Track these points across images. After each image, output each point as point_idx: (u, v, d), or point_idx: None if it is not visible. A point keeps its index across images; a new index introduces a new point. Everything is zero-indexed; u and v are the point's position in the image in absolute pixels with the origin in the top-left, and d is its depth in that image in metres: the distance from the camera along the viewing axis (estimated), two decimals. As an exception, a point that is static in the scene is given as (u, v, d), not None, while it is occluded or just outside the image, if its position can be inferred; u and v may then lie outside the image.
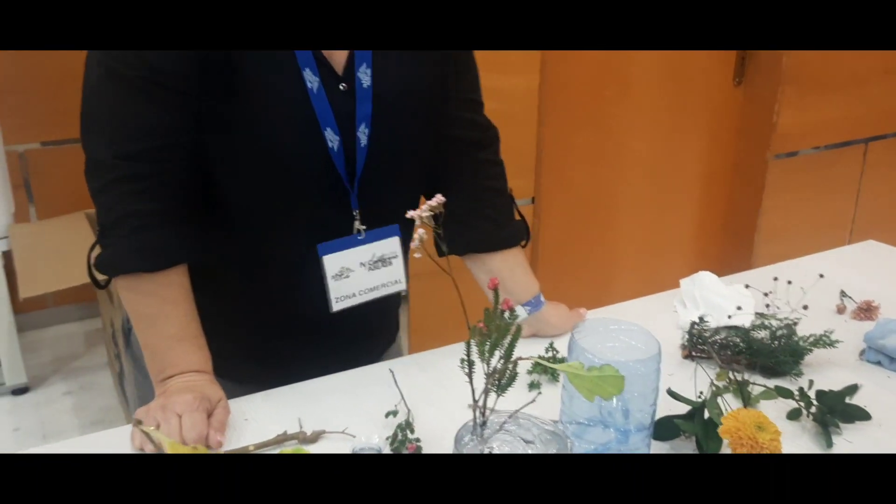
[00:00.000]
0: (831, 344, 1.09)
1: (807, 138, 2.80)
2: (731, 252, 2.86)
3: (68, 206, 2.56)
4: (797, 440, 0.94)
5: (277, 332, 1.09)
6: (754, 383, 1.02)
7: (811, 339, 1.10)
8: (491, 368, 0.58)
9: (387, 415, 0.95)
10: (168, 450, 0.83)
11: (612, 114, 2.57)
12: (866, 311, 1.25)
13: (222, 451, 0.89)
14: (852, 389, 1.00)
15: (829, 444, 0.93)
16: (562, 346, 1.02)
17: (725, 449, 0.87)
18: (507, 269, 1.15)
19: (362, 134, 1.00)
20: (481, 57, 1.15)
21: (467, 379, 0.59)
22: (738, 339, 1.12)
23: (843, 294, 1.32)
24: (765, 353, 1.08)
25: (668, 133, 2.69)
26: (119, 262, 0.95)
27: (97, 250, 0.98)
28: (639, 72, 2.54)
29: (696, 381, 1.01)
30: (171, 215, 0.95)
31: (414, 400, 0.98)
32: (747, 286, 1.30)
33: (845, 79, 2.75)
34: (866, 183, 3.07)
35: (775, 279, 1.30)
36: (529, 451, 0.58)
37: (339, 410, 0.98)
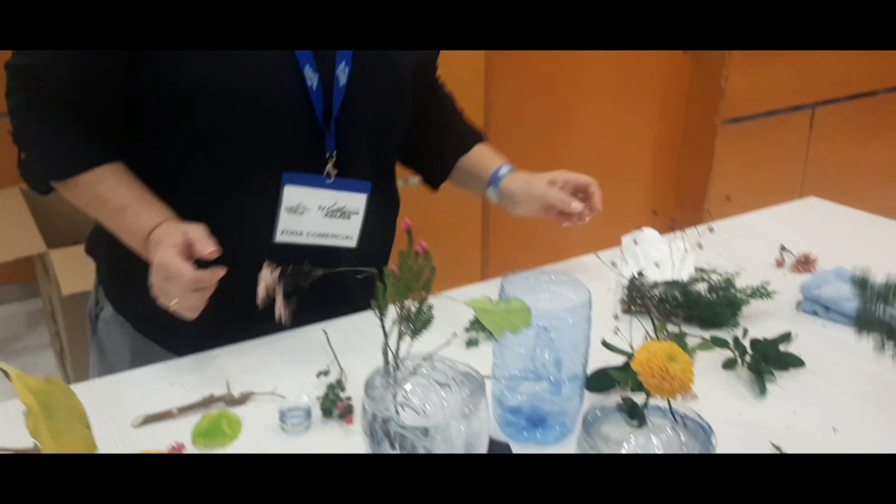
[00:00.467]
0: (767, 294, 1.10)
1: (755, 104, 2.82)
2: (682, 217, 2.88)
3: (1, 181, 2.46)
4: (733, 388, 0.94)
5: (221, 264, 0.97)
6: (691, 334, 1.02)
7: (748, 291, 1.10)
8: (404, 311, 0.56)
9: (318, 374, 0.93)
10: None
11: (561, 81, 2.56)
12: (804, 264, 1.26)
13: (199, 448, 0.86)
14: (786, 337, 1.00)
15: (763, 390, 0.93)
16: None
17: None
18: (475, 158, 1.21)
19: (342, 73, 0.98)
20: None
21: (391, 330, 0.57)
22: (676, 293, 1.11)
23: (782, 248, 1.33)
24: (702, 306, 1.08)
25: (617, 100, 2.69)
26: (42, 170, 0.97)
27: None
28: (588, 37, 2.52)
29: (631, 333, 1.01)
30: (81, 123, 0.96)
31: (348, 360, 0.96)
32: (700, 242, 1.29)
33: (792, 44, 2.78)
34: (814, 147, 3.12)
35: (710, 230, 1.31)
36: (443, 394, 0.56)
37: (270, 372, 0.95)
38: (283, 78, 0.95)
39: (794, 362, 0.97)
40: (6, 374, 0.75)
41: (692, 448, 0.51)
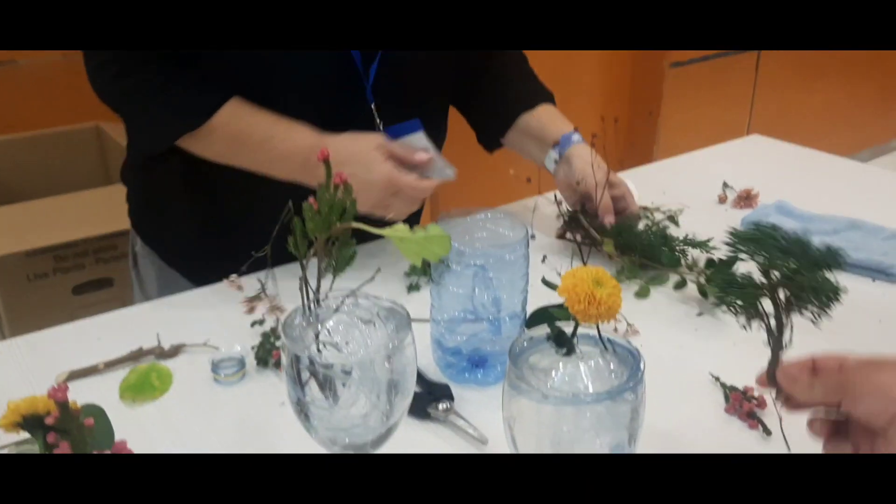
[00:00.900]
0: (703, 245, 1.05)
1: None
2: (631, 161, 2.89)
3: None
4: (675, 322, 0.94)
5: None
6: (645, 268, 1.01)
7: (685, 239, 1.05)
8: (324, 247, 0.54)
9: (252, 324, 0.90)
10: None
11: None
12: (746, 199, 1.26)
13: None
14: (732, 261, 0.99)
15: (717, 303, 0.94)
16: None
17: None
18: (541, 117, 1.13)
19: None
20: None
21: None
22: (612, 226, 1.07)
23: (724, 185, 1.33)
24: (640, 248, 1.05)
25: (565, 44, 2.66)
26: (175, 123, 0.93)
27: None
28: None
29: (572, 264, 1.00)
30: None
31: (287, 308, 0.93)
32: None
33: (737, -16, 2.77)
34: (759, 89, 3.14)
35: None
36: (367, 332, 0.54)
37: (204, 324, 0.92)
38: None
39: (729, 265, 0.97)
40: None
41: (620, 374, 0.50)
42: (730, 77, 2.97)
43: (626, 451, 0.50)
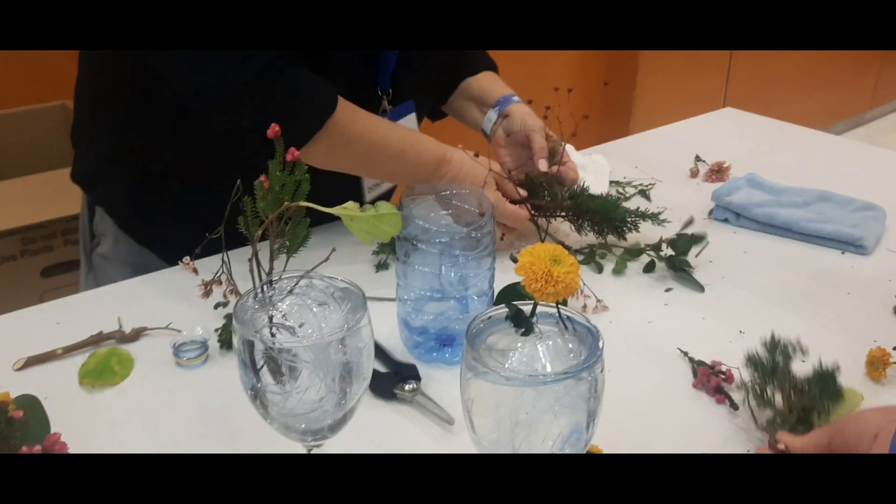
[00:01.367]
0: (654, 217, 1.03)
1: (678, 18, 2.80)
2: (609, 134, 2.88)
3: None
4: (645, 299, 0.93)
5: None
6: (615, 247, 1.00)
7: (637, 211, 1.02)
8: (276, 227, 0.52)
9: (216, 306, 0.88)
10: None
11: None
12: (717, 172, 1.26)
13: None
14: (699, 238, 0.99)
15: (700, 288, 0.94)
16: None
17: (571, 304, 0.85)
18: (477, 83, 1.15)
19: None
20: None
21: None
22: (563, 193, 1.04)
23: (697, 158, 1.32)
24: (594, 210, 1.03)
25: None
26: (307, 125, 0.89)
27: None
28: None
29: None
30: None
31: (247, 285, 0.91)
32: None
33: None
34: (735, 60, 3.13)
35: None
36: (322, 314, 0.52)
37: (165, 307, 0.90)
38: None
39: (696, 240, 0.98)
40: None
41: (579, 353, 0.49)
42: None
43: (586, 430, 0.50)
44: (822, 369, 0.69)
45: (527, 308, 0.52)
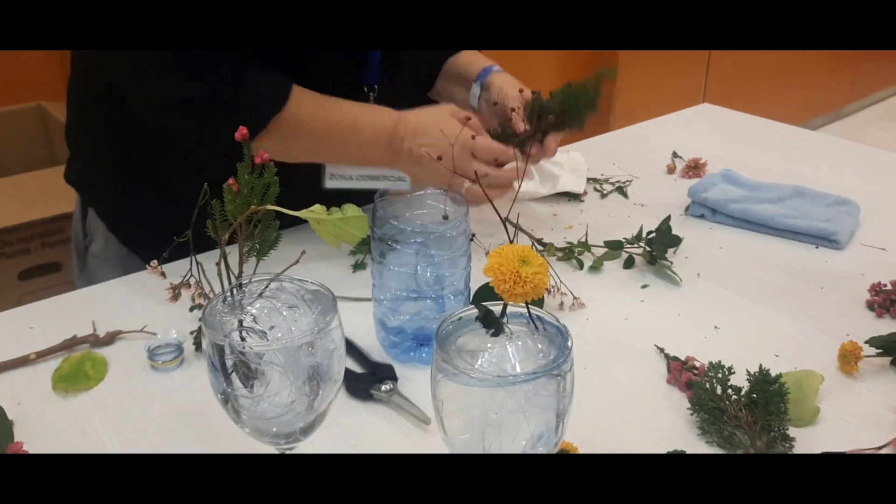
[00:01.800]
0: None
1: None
2: (587, 130, 2.89)
3: None
4: (621, 295, 0.94)
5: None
6: (593, 247, 1.01)
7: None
8: (245, 230, 0.52)
9: (191, 308, 0.88)
10: None
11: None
12: (694, 168, 1.27)
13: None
14: (676, 240, 1.00)
15: (679, 282, 0.94)
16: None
17: (548, 302, 0.86)
18: (458, 61, 1.15)
19: None
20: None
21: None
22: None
23: (674, 154, 1.33)
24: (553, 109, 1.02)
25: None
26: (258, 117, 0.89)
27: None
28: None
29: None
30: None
31: (217, 288, 0.91)
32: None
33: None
34: (715, 57, 3.14)
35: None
36: (292, 317, 0.52)
37: (140, 310, 0.90)
38: None
39: (674, 242, 1.00)
40: None
41: (549, 353, 0.50)
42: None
43: (557, 429, 0.50)
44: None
45: (498, 308, 0.52)
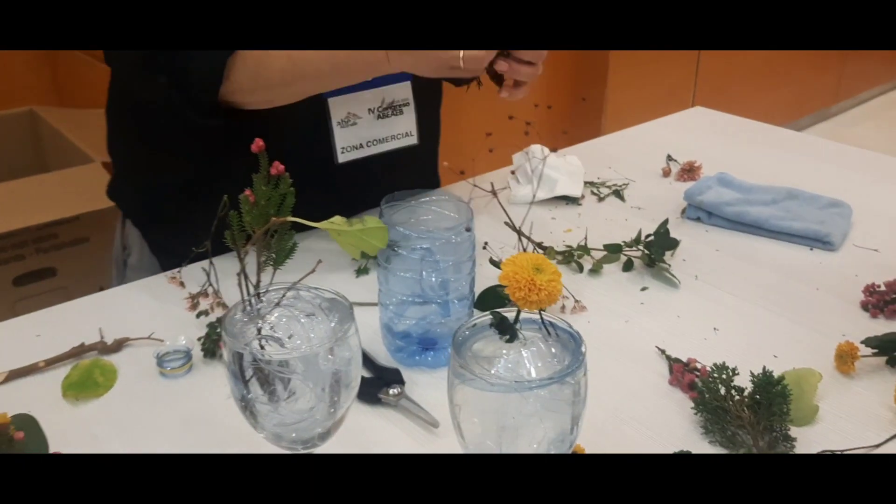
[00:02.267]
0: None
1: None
2: (581, 131, 2.91)
3: None
4: (621, 298, 0.95)
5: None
6: (591, 250, 1.02)
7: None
8: (262, 241, 0.53)
9: (198, 315, 0.89)
10: None
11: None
12: (689, 171, 1.28)
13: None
14: (674, 243, 1.01)
15: (676, 285, 0.96)
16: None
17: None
18: None
19: None
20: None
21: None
22: None
23: (668, 158, 1.35)
24: None
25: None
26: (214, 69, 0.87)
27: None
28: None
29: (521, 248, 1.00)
30: None
31: (232, 296, 0.92)
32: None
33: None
34: (704, 58, 3.17)
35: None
36: (310, 325, 0.53)
37: (145, 317, 0.90)
38: None
39: (672, 244, 1.01)
40: None
41: (562, 359, 0.51)
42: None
43: (571, 432, 0.51)
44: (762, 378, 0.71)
45: (510, 315, 0.53)
